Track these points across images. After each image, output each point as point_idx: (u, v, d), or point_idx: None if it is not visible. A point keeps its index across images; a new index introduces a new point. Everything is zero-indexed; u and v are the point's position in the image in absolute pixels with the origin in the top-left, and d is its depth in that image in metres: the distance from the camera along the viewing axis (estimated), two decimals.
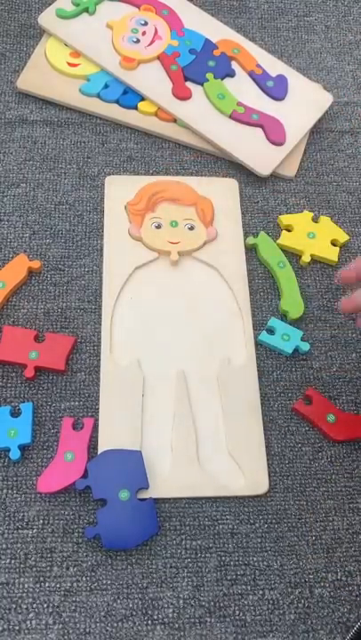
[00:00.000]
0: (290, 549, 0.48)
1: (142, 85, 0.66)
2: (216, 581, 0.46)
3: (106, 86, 0.66)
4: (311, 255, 0.60)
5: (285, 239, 0.61)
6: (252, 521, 0.49)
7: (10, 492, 0.48)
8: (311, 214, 0.62)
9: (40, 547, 0.47)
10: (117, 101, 0.66)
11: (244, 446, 0.51)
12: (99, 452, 0.49)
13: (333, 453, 0.52)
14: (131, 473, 0.48)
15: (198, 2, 0.74)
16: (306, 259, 0.59)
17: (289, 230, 0.61)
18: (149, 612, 0.45)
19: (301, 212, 0.63)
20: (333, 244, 0.61)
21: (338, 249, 0.61)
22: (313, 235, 0.61)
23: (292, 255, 0.61)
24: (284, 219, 0.61)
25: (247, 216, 0.62)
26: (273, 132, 0.65)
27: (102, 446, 0.50)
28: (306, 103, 0.68)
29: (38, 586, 0.45)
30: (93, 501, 0.48)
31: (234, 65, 0.69)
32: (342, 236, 0.61)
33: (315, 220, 0.62)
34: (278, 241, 0.60)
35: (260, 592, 0.46)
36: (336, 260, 0.60)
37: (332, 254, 0.60)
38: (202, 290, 0.57)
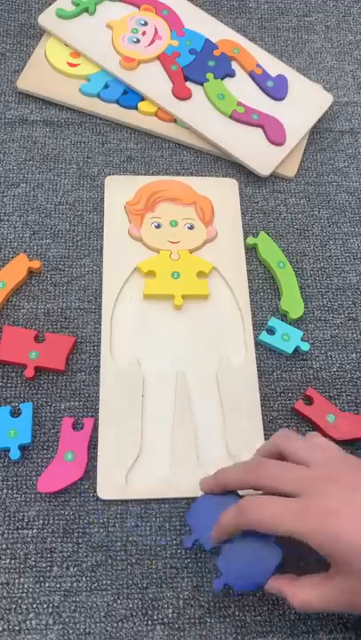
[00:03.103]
0: None
1: (142, 85, 0.66)
2: None
3: (106, 86, 0.66)
4: (183, 296, 0.56)
5: (151, 288, 0.56)
6: None
7: (10, 492, 0.48)
8: (169, 252, 0.58)
9: (40, 547, 0.47)
10: (117, 101, 0.66)
11: (245, 446, 0.51)
12: (98, 451, 0.49)
13: None
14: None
15: (198, 2, 0.74)
16: (178, 302, 0.55)
17: (152, 277, 0.57)
18: (149, 612, 0.45)
19: (302, 212, 0.63)
20: (200, 276, 0.57)
21: (206, 281, 0.57)
22: (177, 275, 0.56)
23: (293, 255, 0.61)
24: (143, 266, 0.57)
25: (247, 216, 0.62)
26: (273, 132, 0.65)
27: (102, 446, 0.50)
28: (306, 103, 0.68)
29: (38, 586, 0.45)
30: (93, 502, 0.48)
31: (234, 65, 0.69)
32: (206, 266, 0.57)
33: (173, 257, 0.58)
34: (144, 291, 0.56)
35: (260, 592, 0.46)
36: (207, 293, 0.56)
37: (203, 288, 0.56)
38: None
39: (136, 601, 0.45)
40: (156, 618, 0.45)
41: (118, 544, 0.47)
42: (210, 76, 0.67)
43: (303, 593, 0.38)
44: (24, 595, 0.45)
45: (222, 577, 0.43)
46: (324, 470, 0.39)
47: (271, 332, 0.55)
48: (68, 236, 0.59)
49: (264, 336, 0.55)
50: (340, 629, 0.45)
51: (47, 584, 0.45)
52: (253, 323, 0.56)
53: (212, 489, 0.45)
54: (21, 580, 0.46)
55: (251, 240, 0.60)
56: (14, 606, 0.45)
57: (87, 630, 0.44)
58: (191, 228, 0.60)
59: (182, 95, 0.66)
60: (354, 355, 0.56)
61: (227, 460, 0.50)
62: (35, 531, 0.47)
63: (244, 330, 0.56)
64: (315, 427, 0.52)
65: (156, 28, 0.69)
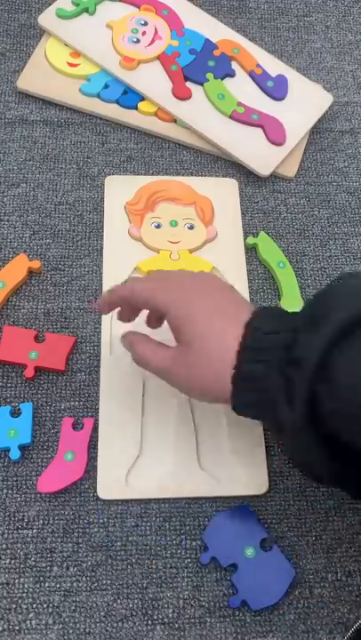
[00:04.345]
0: (290, 549, 0.48)
1: (142, 85, 0.66)
2: (216, 581, 0.46)
3: (106, 86, 0.66)
4: None
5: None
6: None
7: (10, 492, 0.48)
8: (169, 252, 0.58)
9: (40, 547, 0.47)
10: (117, 101, 0.66)
11: (245, 446, 0.51)
12: (98, 451, 0.49)
13: None
14: (246, 529, 0.47)
15: (198, 2, 0.74)
16: None
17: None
18: (149, 612, 0.45)
19: (302, 212, 0.63)
20: None
21: None
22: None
23: (293, 255, 0.61)
24: (143, 266, 0.57)
25: (247, 216, 0.62)
26: (273, 132, 0.65)
27: (102, 446, 0.50)
28: (306, 103, 0.68)
29: (38, 586, 0.45)
30: (93, 502, 0.48)
31: (234, 65, 0.69)
32: (206, 266, 0.57)
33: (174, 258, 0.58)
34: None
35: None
36: None
37: None
38: None
39: (136, 601, 0.45)
40: (156, 618, 0.45)
41: (118, 544, 0.47)
42: (210, 76, 0.67)
43: (143, 348, 0.45)
44: (24, 595, 0.45)
45: (239, 594, 0.45)
46: (184, 273, 0.46)
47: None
48: (68, 236, 0.59)
49: None
50: (340, 629, 0.45)
51: (47, 584, 0.45)
52: None
53: (108, 306, 0.48)
54: (21, 580, 0.46)
55: (251, 240, 0.60)
56: (14, 606, 0.45)
57: (87, 630, 0.44)
58: (191, 227, 0.60)
59: (182, 95, 0.66)
60: None
61: (227, 460, 0.50)
62: (35, 531, 0.47)
63: None
64: None
65: (156, 28, 0.69)
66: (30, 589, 0.45)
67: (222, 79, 0.68)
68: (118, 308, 0.48)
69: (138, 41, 0.68)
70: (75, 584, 0.46)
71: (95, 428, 0.51)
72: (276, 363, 0.37)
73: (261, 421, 0.46)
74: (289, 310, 0.52)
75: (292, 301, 0.57)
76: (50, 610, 0.45)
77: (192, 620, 0.45)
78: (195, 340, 0.41)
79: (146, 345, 0.45)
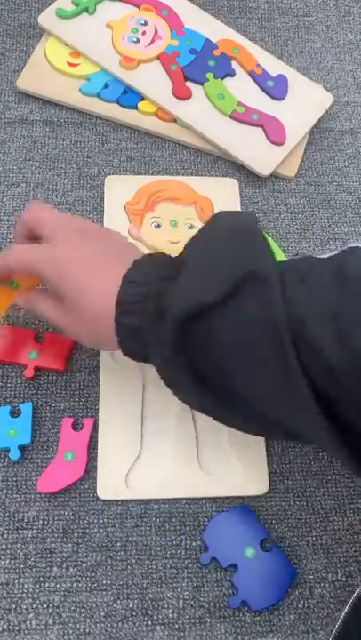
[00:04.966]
0: (290, 549, 0.48)
1: (142, 85, 0.66)
2: (216, 582, 0.46)
3: (106, 86, 0.66)
4: None
5: None
6: None
7: (10, 492, 0.48)
8: (169, 252, 0.55)
9: (40, 547, 0.47)
10: (117, 101, 0.66)
11: (245, 446, 0.51)
12: (98, 451, 0.49)
13: None
14: (246, 529, 0.47)
15: (198, 2, 0.74)
16: None
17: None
18: (149, 613, 0.45)
19: (302, 212, 0.63)
20: None
21: None
22: None
23: (293, 255, 0.61)
24: None
25: None
26: (273, 132, 0.65)
27: (102, 446, 0.50)
28: (306, 103, 0.68)
29: (38, 586, 0.45)
30: (93, 502, 0.48)
31: (234, 65, 0.69)
32: None
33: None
34: None
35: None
36: None
37: None
38: None
39: (136, 601, 0.45)
40: (156, 618, 0.45)
41: (118, 544, 0.47)
42: (210, 75, 0.67)
43: (42, 304, 0.47)
44: (24, 595, 0.45)
45: (239, 594, 0.45)
46: (71, 225, 0.46)
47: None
48: None
49: None
50: (340, 630, 0.45)
51: (47, 584, 0.45)
52: None
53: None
54: (21, 580, 0.46)
55: None
56: (14, 606, 0.45)
57: (87, 630, 0.44)
58: (191, 227, 0.60)
59: (182, 95, 0.66)
60: None
61: (227, 459, 0.50)
62: (35, 531, 0.47)
63: None
64: None
65: (156, 28, 0.69)
66: (30, 590, 0.45)
67: (222, 79, 0.68)
68: None
69: (138, 41, 0.68)
70: (75, 584, 0.46)
71: (95, 428, 0.51)
72: (147, 313, 0.40)
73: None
74: None
75: None
76: (50, 610, 0.45)
77: (192, 621, 0.45)
78: (74, 301, 0.43)
79: (42, 301, 0.47)
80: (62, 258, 0.44)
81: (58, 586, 0.45)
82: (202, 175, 0.64)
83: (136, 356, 0.44)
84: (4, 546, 0.46)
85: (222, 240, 0.41)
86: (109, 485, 0.49)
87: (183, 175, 0.64)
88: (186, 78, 0.67)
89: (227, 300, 0.37)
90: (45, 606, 0.45)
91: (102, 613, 0.45)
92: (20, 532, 0.47)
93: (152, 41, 0.68)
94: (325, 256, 0.39)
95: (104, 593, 0.46)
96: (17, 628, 0.44)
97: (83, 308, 0.43)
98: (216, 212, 0.61)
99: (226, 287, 0.37)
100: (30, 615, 0.44)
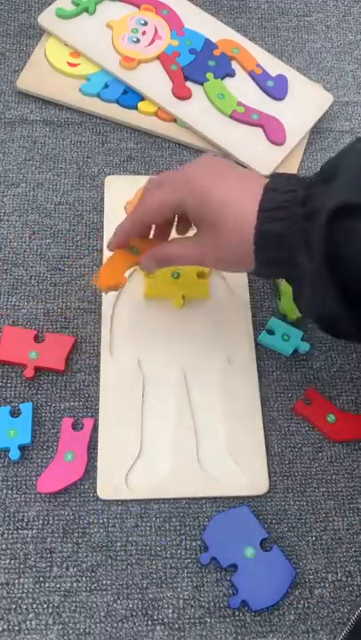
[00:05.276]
0: (290, 549, 0.48)
1: (142, 85, 0.66)
2: (216, 581, 0.46)
3: (106, 86, 0.66)
4: (183, 297, 0.56)
5: (151, 288, 0.56)
6: None
7: (10, 492, 0.48)
8: None
9: (40, 547, 0.47)
10: (117, 101, 0.66)
11: (245, 446, 0.51)
12: (98, 451, 0.49)
13: (333, 453, 0.52)
14: (246, 529, 0.47)
15: (198, 2, 0.74)
16: (178, 302, 0.56)
17: (153, 277, 0.56)
18: (149, 613, 0.45)
19: None
20: (200, 277, 0.57)
21: (206, 281, 0.57)
22: (177, 274, 0.56)
23: None
24: None
25: None
26: (273, 132, 0.65)
27: (102, 446, 0.50)
28: (306, 103, 0.68)
29: (38, 586, 0.45)
30: (93, 502, 0.48)
31: (234, 65, 0.69)
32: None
33: None
34: (144, 292, 0.56)
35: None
36: (208, 294, 0.56)
37: (203, 289, 0.56)
38: None
39: (136, 601, 0.45)
40: (156, 618, 0.45)
41: (118, 544, 0.47)
42: (210, 75, 0.67)
43: (173, 247, 0.48)
44: (24, 595, 0.45)
45: (239, 594, 0.45)
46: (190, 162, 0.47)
47: (271, 332, 0.55)
48: (68, 236, 0.59)
49: (264, 336, 0.55)
50: (341, 629, 0.45)
51: (47, 584, 0.45)
52: (253, 323, 0.56)
53: (120, 243, 0.50)
54: (21, 580, 0.46)
55: None
56: (14, 606, 0.45)
57: (87, 630, 0.44)
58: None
59: (182, 95, 0.66)
60: (354, 355, 0.56)
61: (227, 459, 0.50)
62: (35, 531, 0.47)
63: (245, 330, 0.56)
64: (315, 427, 0.52)
65: (156, 28, 0.69)
66: (30, 589, 0.45)
67: (222, 79, 0.68)
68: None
69: (138, 41, 0.68)
70: (75, 584, 0.46)
71: (95, 428, 0.51)
72: (293, 218, 0.40)
73: (282, 277, 0.50)
74: (288, 314, 0.53)
75: (292, 302, 0.57)
76: (50, 610, 0.45)
77: (192, 621, 0.45)
78: (216, 219, 0.43)
79: (171, 246, 0.48)
80: (193, 176, 0.44)
81: (58, 586, 0.45)
82: None
83: (268, 269, 0.44)
84: (3, 546, 0.46)
85: None
86: (109, 485, 0.49)
87: None
88: (186, 78, 0.67)
89: None
90: (45, 606, 0.45)
91: (102, 613, 0.45)
92: (20, 531, 0.47)
93: (152, 41, 0.68)
94: None
95: (104, 593, 0.46)
96: (17, 628, 0.44)
97: (229, 227, 0.43)
98: None
99: None
100: (30, 615, 0.44)
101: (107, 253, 0.58)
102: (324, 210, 0.38)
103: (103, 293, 0.56)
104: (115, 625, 0.45)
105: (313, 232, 0.39)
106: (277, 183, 0.42)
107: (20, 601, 0.45)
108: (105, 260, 0.54)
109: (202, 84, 0.67)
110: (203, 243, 0.45)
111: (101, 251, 0.59)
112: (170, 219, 0.49)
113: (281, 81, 0.69)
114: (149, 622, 0.45)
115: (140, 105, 0.66)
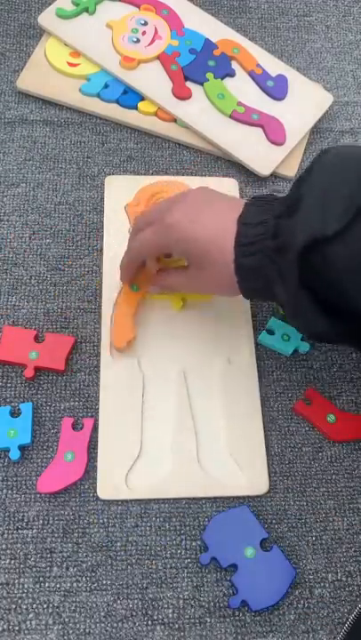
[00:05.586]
0: (290, 549, 0.48)
1: (142, 85, 0.66)
2: (216, 581, 0.46)
3: (106, 86, 0.66)
4: (183, 299, 0.56)
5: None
6: None
7: (10, 492, 0.48)
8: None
9: (40, 547, 0.47)
10: (117, 101, 0.66)
11: (245, 446, 0.51)
12: (98, 451, 0.49)
13: (333, 453, 0.52)
14: (246, 529, 0.47)
15: (198, 2, 0.74)
16: (178, 305, 0.56)
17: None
18: (149, 613, 0.45)
19: None
20: None
21: None
22: None
23: None
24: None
25: None
26: (273, 132, 0.65)
27: (102, 446, 0.50)
28: (306, 103, 0.68)
29: (38, 586, 0.45)
30: (93, 502, 0.48)
31: (234, 65, 0.69)
32: None
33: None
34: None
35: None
36: (209, 298, 0.56)
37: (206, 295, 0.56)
38: None
39: (136, 601, 0.45)
40: (156, 618, 0.45)
41: (118, 544, 0.47)
42: (210, 75, 0.67)
43: (170, 278, 0.53)
44: (24, 595, 0.45)
45: (239, 594, 0.45)
46: (173, 198, 0.51)
47: (271, 332, 0.55)
48: (68, 236, 0.59)
49: (264, 336, 0.55)
50: (340, 629, 0.45)
51: (47, 584, 0.45)
52: (253, 323, 0.56)
53: (129, 272, 0.54)
54: (21, 580, 0.46)
55: None
56: (14, 606, 0.45)
57: (87, 630, 0.44)
58: None
59: (182, 95, 0.66)
60: (354, 355, 0.56)
61: (227, 459, 0.50)
62: (35, 531, 0.47)
63: (245, 330, 0.56)
64: (315, 427, 0.52)
65: (156, 28, 0.69)
66: (30, 589, 0.45)
67: (222, 79, 0.68)
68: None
69: (138, 41, 0.68)
70: (75, 584, 0.46)
71: (95, 428, 0.51)
72: (265, 252, 0.42)
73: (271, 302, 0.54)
74: None
75: None
76: (50, 610, 0.45)
77: (192, 620, 0.45)
78: (200, 258, 0.47)
79: (167, 279, 0.53)
80: (173, 223, 0.47)
81: (58, 586, 0.45)
82: (202, 175, 0.64)
83: (254, 297, 0.48)
84: (3, 546, 0.46)
85: (335, 174, 0.41)
86: (109, 485, 0.49)
87: (183, 175, 0.64)
88: (186, 78, 0.67)
89: (347, 230, 0.38)
90: (45, 606, 0.45)
91: (102, 613, 0.45)
92: (20, 531, 0.47)
93: (152, 41, 0.68)
94: None
95: (104, 593, 0.46)
96: (17, 628, 0.44)
97: (212, 262, 0.46)
98: None
99: (346, 218, 0.38)
100: (30, 615, 0.44)
101: (106, 253, 0.58)
102: (293, 246, 0.40)
103: (103, 293, 0.56)
104: (115, 625, 0.45)
105: (285, 266, 0.41)
106: (249, 215, 0.44)
107: (20, 601, 0.45)
108: (105, 275, 0.57)
109: (202, 84, 0.67)
110: (194, 275, 0.49)
111: (101, 250, 0.59)
112: (160, 254, 0.53)
113: (281, 81, 0.69)
114: (149, 622, 0.45)
115: (140, 105, 0.66)
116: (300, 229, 0.40)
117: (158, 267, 0.53)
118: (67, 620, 0.44)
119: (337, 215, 0.38)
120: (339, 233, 0.38)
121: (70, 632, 0.44)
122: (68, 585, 0.46)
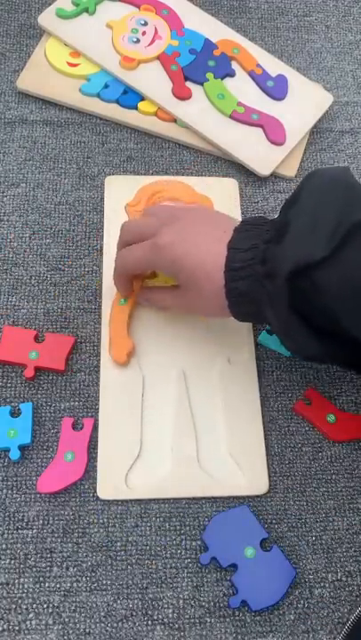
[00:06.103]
0: (290, 549, 0.48)
1: (142, 85, 0.66)
2: (216, 581, 0.46)
3: (106, 86, 0.66)
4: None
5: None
6: None
7: (10, 492, 0.48)
8: None
9: (40, 547, 0.47)
10: (117, 101, 0.66)
11: (244, 446, 0.51)
12: (98, 451, 0.49)
13: (333, 453, 0.52)
14: (246, 529, 0.47)
15: (198, 2, 0.74)
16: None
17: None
18: (149, 612, 0.45)
19: None
20: None
21: None
22: None
23: None
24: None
25: (247, 216, 0.62)
26: (273, 132, 0.65)
27: (102, 446, 0.50)
28: (306, 103, 0.68)
29: (38, 586, 0.45)
30: (93, 502, 0.48)
31: (234, 65, 0.69)
32: None
33: None
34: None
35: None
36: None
37: None
38: None
39: (136, 601, 0.45)
40: (156, 618, 0.45)
41: (118, 544, 0.47)
42: (210, 75, 0.67)
43: (155, 296, 0.53)
44: (24, 595, 0.45)
45: (239, 594, 0.45)
46: (164, 217, 0.50)
47: (271, 332, 0.55)
48: (68, 236, 0.59)
49: (264, 337, 0.55)
50: (340, 629, 0.45)
51: (47, 584, 0.45)
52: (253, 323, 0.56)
53: (120, 286, 0.54)
54: (21, 580, 0.46)
55: None
56: (14, 606, 0.45)
57: (87, 630, 0.44)
58: None
59: (182, 95, 0.66)
60: None
61: (227, 459, 0.50)
62: (35, 531, 0.47)
63: (245, 330, 0.56)
64: (315, 427, 0.52)
65: (156, 28, 0.69)
66: (30, 589, 0.45)
67: (222, 79, 0.68)
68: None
69: (138, 41, 0.68)
70: (75, 584, 0.46)
71: (95, 428, 0.51)
72: (255, 277, 0.43)
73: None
74: None
75: None
76: (50, 610, 0.45)
77: (192, 620, 0.45)
78: (189, 281, 0.47)
79: (154, 295, 0.54)
80: (165, 245, 0.47)
81: (58, 586, 0.46)
82: (202, 175, 0.64)
83: (245, 320, 0.48)
84: (3, 546, 0.46)
85: (321, 197, 0.41)
86: (109, 485, 0.49)
87: (183, 175, 0.64)
88: (186, 78, 0.67)
89: (335, 255, 0.39)
90: (45, 606, 0.45)
91: (102, 613, 0.45)
92: (20, 531, 0.47)
93: (152, 41, 0.68)
94: None
95: (104, 593, 0.46)
96: (17, 628, 0.44)
97: (201, 285, 0.46)
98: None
99: (334, 242, 0.38)
100: (30, 615, 0.44)
101: (106, 253, 0.58)
102: (281, 272, 0.40)
103: (103, 293, 0.56)
104: (115, 625, 0.45)
105: (275, 291, 0.41)
106: (238, 240, 0.45)
107: (20, 601, 0.45)
108: (104, 282, 0.57)
109: (202, 84, 0.67)
110: (183, 295, 0.49)
111: (101, 250, 0.59)
112: (145, 272, 0.54)
113: (281, 81, 0.69)
114: (149, 622, 0.45)
115: (140, 105, 0.66)
116: (287, 255, 0.40)
117: (140, 284, 0.54)
118: (67, 619, 0.44)
119: (325, 240, 0.39)
120: (326, 258, 0.38)
121: (70, 632, 0.44)
122: (68, 585, 0.46)
